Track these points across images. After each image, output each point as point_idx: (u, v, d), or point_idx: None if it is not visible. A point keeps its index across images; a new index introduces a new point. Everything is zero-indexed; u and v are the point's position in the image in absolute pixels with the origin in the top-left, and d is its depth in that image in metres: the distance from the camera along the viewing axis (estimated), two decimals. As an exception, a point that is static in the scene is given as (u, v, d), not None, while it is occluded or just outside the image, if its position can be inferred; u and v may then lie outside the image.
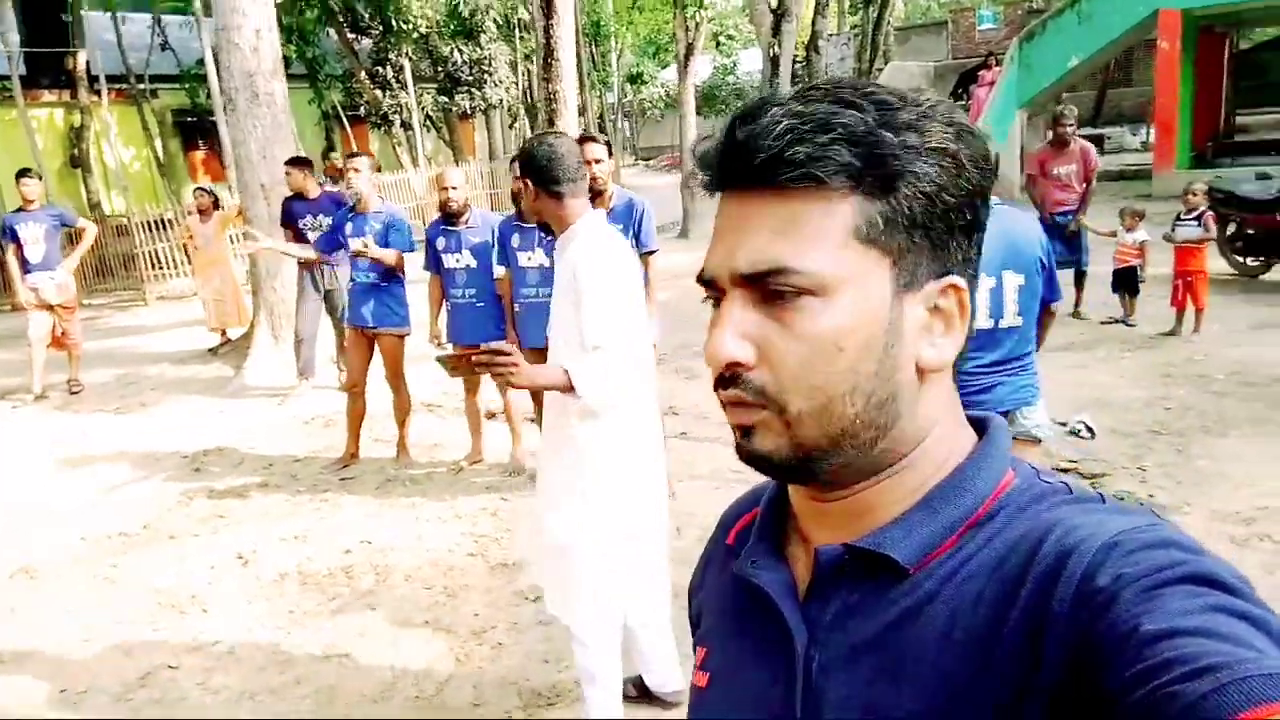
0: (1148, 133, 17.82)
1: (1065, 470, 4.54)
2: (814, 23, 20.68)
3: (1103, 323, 7.36)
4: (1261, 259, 8.23)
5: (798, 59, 20.75)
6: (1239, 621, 0.49)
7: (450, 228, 4.91)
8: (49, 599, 4.06)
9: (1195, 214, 6.88)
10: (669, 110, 33.20)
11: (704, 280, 0.65)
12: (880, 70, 23.76)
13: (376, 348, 5.28)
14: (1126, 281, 7.27)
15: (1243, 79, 16.25)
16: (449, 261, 4.93)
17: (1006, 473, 0.64)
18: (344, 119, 19.39)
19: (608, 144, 4.35)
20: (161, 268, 13.44)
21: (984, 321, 2.88)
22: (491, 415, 5.79)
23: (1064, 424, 5.13)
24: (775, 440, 0.62)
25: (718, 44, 30.32)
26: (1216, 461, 4.48)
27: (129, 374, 8.41)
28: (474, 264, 4.88)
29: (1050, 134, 7.88)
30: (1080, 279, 7.41)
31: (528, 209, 2.76)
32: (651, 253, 4.34)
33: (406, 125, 18.99)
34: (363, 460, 5.45)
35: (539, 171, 2.58)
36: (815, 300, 0.60)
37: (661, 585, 2.85)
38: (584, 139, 4.34)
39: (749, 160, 0.60)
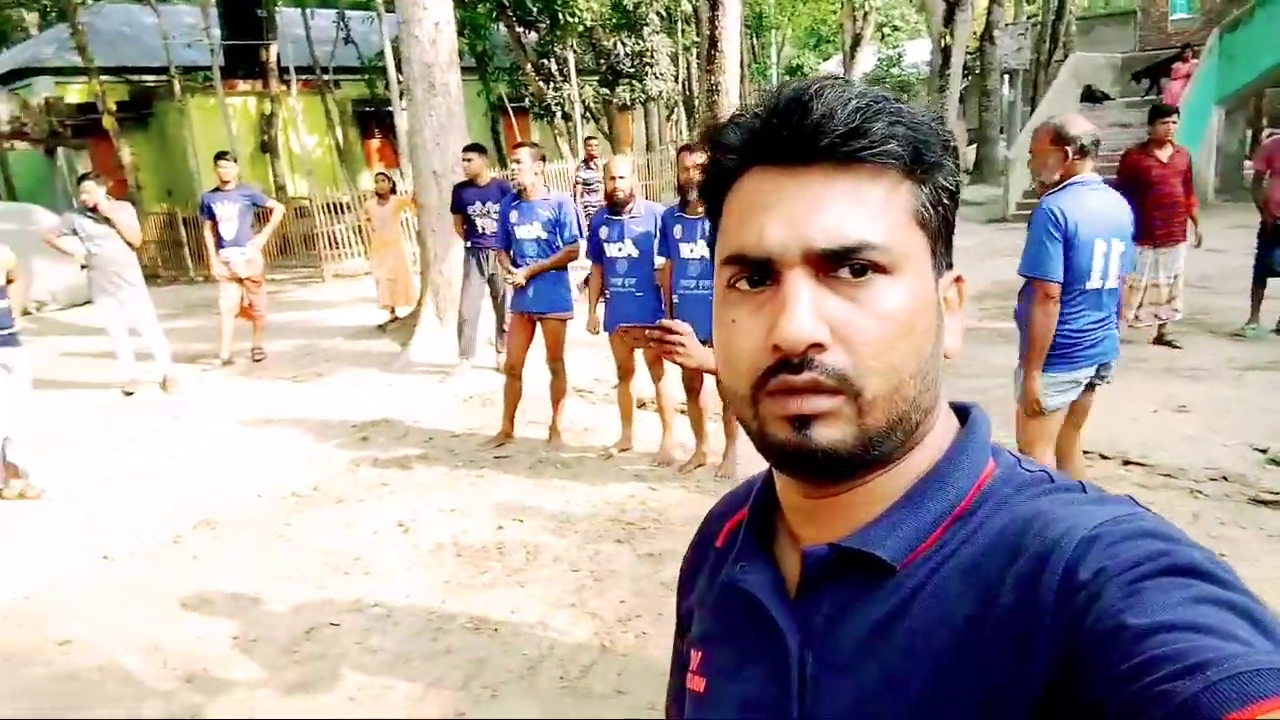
0: (1371, 132, 16.02)
1: (1265, 502, 4.14)
2: (989, 11, 19.73)
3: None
4: None
5: (970, 50, 19.86)
6: (1224, 611, 0.48)
7: (615, 217, 4.96)
8: (227, 551, 4.38)
9: None
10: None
11: (750, 260, 0.61)
12: (1060, 62, 22.42)
13: (538, 331, 5.42)
14: None
15: None
16: (611, 250, 4.98)
17: (988, 463, 0.64)
18: (509, 110, 20.01)
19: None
20: (339, 247, 14.29)
21: (1095, 282, 3.34)
22: (643, 404, 5.83)
23: (1264, 450, 4.68)
24: (843, 429, 0.60)
25: (882, 35, 29.47)
26: None
27: (307, 345, 9.00)
28: (636, 254, 4.92)
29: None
30: None
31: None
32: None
33: (568, 116, 19.41)
34: (517, 440, 5.61)
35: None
36: (887, 279, 0.60)
37: None
38: (684, 148, 4.35)
39: (826, 133, 0.59)
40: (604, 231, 5.01)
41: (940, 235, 0.64)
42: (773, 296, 0.60)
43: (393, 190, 9.72)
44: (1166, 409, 5.49)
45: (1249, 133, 17.23)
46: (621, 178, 4.89)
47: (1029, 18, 27.96)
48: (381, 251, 9.50)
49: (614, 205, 4.95)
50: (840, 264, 0.59)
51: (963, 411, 0.69)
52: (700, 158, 4.37)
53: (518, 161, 5.30)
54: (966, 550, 0.59)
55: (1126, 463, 4.75)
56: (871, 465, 0.62)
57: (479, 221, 7.03)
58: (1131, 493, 3.90)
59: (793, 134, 0.60)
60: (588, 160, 12.15)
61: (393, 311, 9.55)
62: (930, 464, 0.64)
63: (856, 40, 14.30)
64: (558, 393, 5.55)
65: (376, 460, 5.46)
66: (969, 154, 20.45)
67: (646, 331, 2.47)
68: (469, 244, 7.20)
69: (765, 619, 0.66)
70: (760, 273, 0.61)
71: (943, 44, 15.91)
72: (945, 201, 0.63)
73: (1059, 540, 0.54)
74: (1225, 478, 4.42)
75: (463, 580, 3.90)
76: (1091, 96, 18.54)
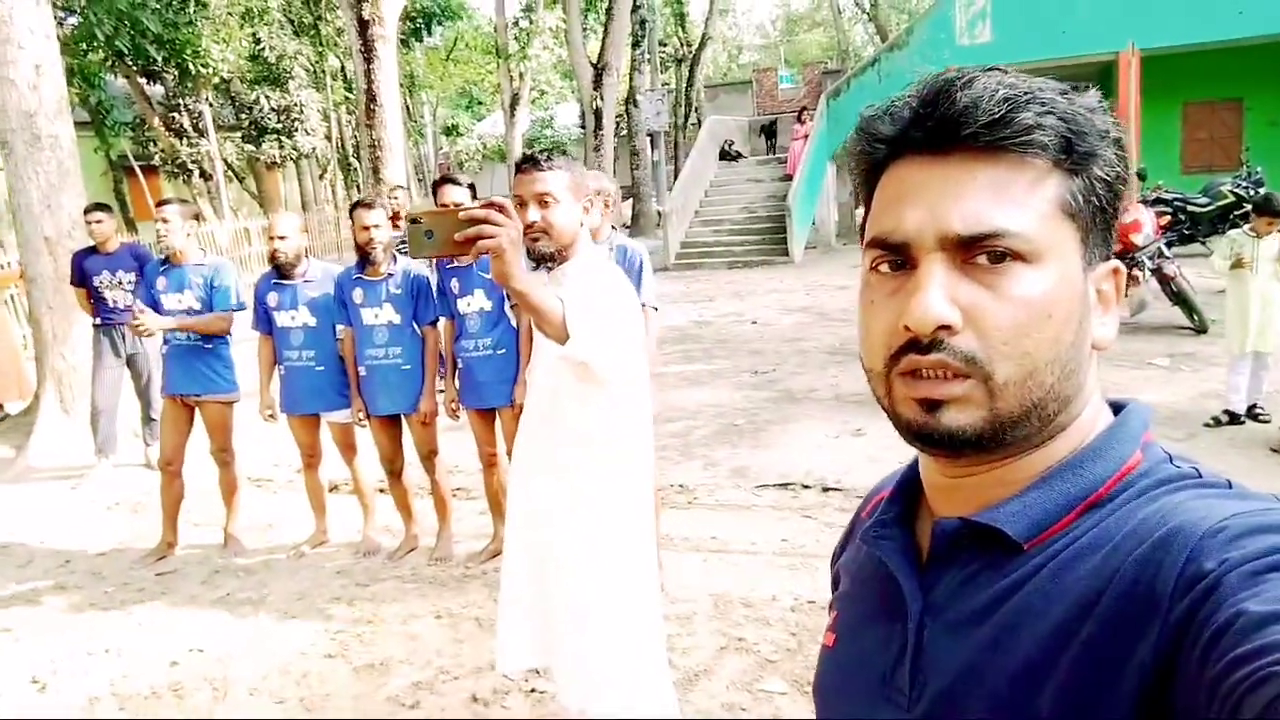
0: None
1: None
2: (631, 78, 21.14)
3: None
4: None
5: (616, 114, 21.10)
6: None
7: (283, 281, 4.38)
8: None
9: None
10: (485, 162, 32.94)
11: (890, 244, 0.64)
12: (695, 125, 24.61)
13: (198, 418, 4.63)
14: None
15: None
16: (282, 320, 4.38)
17: (1133, 455, 0.64)
18: (136, 169, 17.80)
19: (470, 186, 4.02)
20: (-87, 335, 11.63)
21: None
22: (335, 488, 5.21)
23: None
24: (973, 413, 0.61)
25: (533, 100, 30.48)
26: None
27: (-127, 462, 7.08)
28: (312, 322, 4.36)
29: None
30: None
31: (571, 224, 2.22)
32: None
33: (206, 175, 17.68)
34: (182, 550, 4.73)
35: (591, 183, 2.35)
36: (1026, 267, 0.60)
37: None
38: (443, 180, 3.99)
39: (970, 122, 0.60)
40: (272, 298, 4.40)
41: (1094, 226, 0.63)
42: (908, 280, 0.62)
43: (-12, 264, 8.08)
44: (846, 434, 5.96)
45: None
46: (284, 237, 4.33)
47: (664, 85, 30.50)
48: (-22, 337, 7.82)
49: (281, 268, 4.37)
50: (978, 250, 0.60)
51: (1119, 406, 0.69)
52: (376, 216, 3.95)
53: (164, 220, 4.51)
54: (1095, 536, 0.60)
55: (825, 489, 5.03)
56: (1006, 448, 0.63)
57: (108, 294, 6.00)
58: (833, 516, 4.09)
59: (938, 123, 0.62)
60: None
61: (1, 408, 7.85)
62: (1072, 451, 0.64)
63: (515, 100, 14.55)
64: (229, 487, 4.77)
65: (-10, 600, 4.31)
66: (625, 209, 21.62)
67: (462, 214, 1.69)
68: (97, 321, 6.11)
69: (893, 584, 0.69)
70: (900, 257, 0.63)
71: (594, 107, 16.70)
72: (1101, 192, 0.63)
73: (1185, 530, 0.55)
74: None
75: (130, 740, 3.12)
76: (728, 155, 20.45)
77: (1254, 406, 5.65)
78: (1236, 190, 11.23)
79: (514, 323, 4.07)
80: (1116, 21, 12.77)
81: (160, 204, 4.59)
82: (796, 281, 13.74)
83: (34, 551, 4.93)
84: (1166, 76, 14.10)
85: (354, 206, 4.25)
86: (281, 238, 4.30)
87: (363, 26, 9.19)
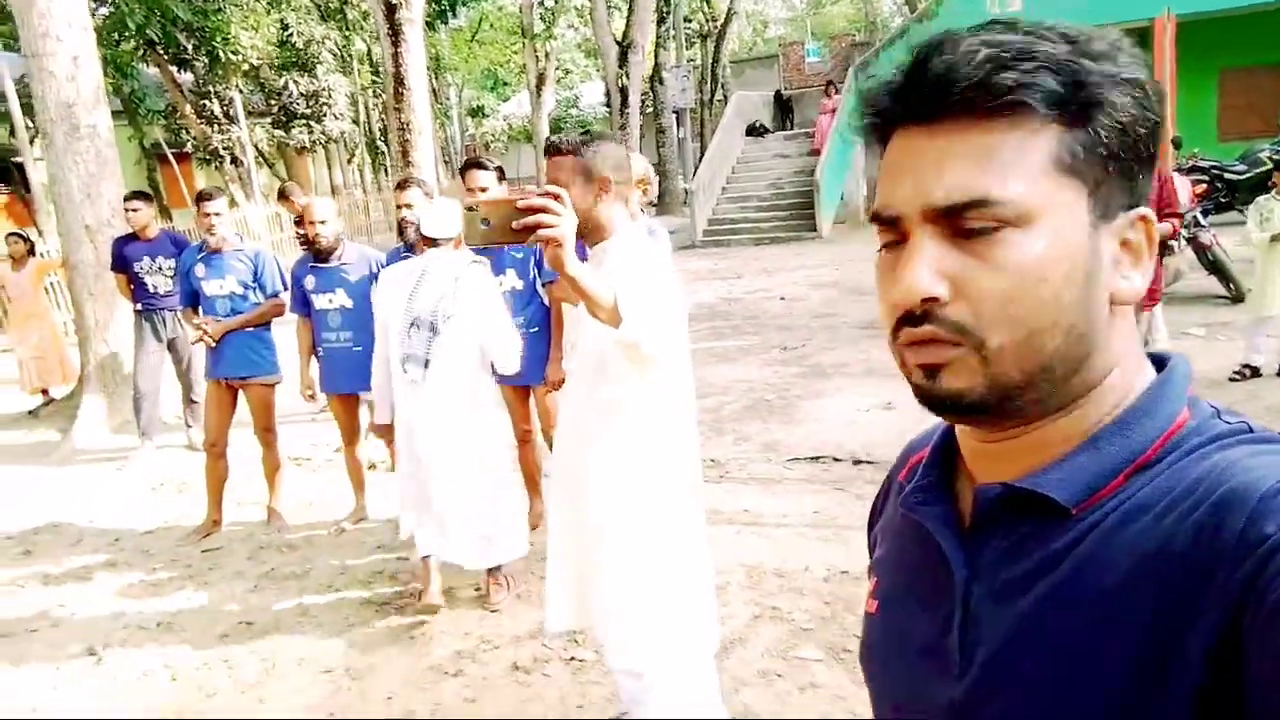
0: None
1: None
2: (656, 55, 21.02)
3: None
4: None
5: (642, 92, 21.00)
6: None
7: (321, 265, 4.46)
8: None
9: None
10: (511, 143, 32.97)
11: (885, 219, 0.64)
12: (721, 101, 24.42)
13: (241, 400, 4.75)
14: None
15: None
16: (320, 303, 4.47)
17: (1181, 413, 0.62)
18: (169, 156, 18.03)
19: (499, 169, 4.06)
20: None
21: None
22: (374, 466, 5.32)
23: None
24: (970, 378, 0.61)
25: (557, 79, 30.40)
26: None
27: (-72, 447, 7.32)
28: (349, 304, 4.45)
29: None
30: None
31: (584, 208, 2.24)
32: (553, 281, 4.03)
33: (238, 161, 17.87)
34: (227, 528, 4.86)
35: (613, 163, 2.29)
36: (1016, 232, 0.59)
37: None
38: (469, 164, 4.03)
39: (947, 89, 0.59)
40: (310, 281, 4.49)
41: (1110, 176, 0.60)
42: (901, 254, 0.62)
43: (31, 252, 8.27)
44: (876, 408, 5.96)
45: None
46: (324, 221, 4.41)
47: (689, 61, 30.30)
48: (23, 325, 8.00)
49: (319, 252, 4.45)
50: (964, 220, 0.59)
51: (1162, 361, 0.67)
52: (486, 178, 3.99)
53: (216, 215, 4.62)
54: (1147, 498, 0.58)
55: (856, 462, 5.05)
56: (1023, 413, 0.63)
57: (149, 280, 6.13)
58: (864, 489, 4.11)
59: (921, 93, 0.60)
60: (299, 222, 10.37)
61: (45, 393, 8.06)
62: (1114, 412, 0.63)
63: (540, 79, 14.55)
64: (272, 467, 4.89)
65: (47, 577, 4.46)
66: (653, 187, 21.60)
67: (520, 204, 1.76)
68: (139, 306, 6.25)
69: (936, 551, 0.68)
70: (898, 233, 0.63)
71: (620, 85, 16.65)
72: (1111, 140, 0.59)
73: (1242, 491, 0.53)
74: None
75: (185, 710, 3.23)
76: (755, 131, 20.31)
77: None
78: (1276, 157, 10.99)
79: (545, 301, 4.12)
80: (1150, -14, 12.48)
81: (201, 198, 4.69)
82: (825, 256, 13.67)
83: (83, 531, 5.09)
84: (1203, 42, 13.78)
85: (398, 185, 4.29)
86: (322, 222, 4.38)
87: (390, 10, 9.20)
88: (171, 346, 6.38)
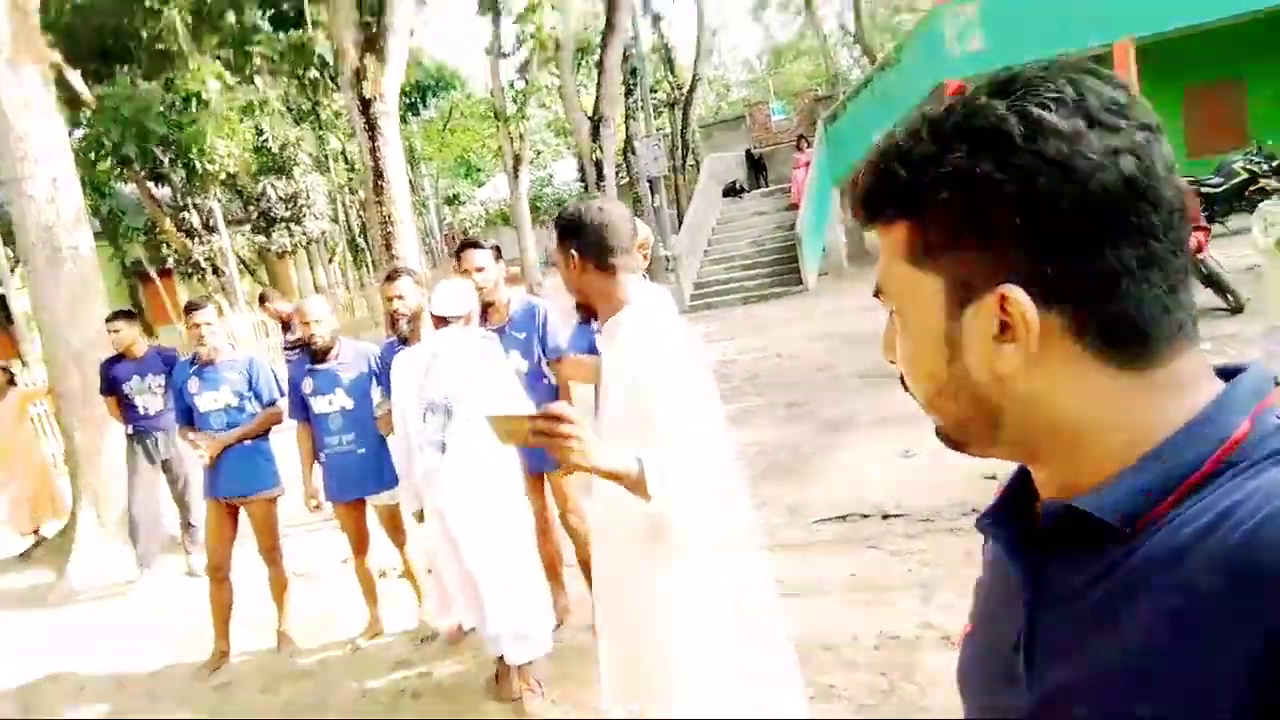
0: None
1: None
2: (626, 126, 21.29)
3: None
4: None
5: (615, 164, 21.22)
6: None
7: (317, 366, 4.30)
8: None
9: None
10: (489, 227, 33.25)
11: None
12: (693, 166, 24.74)
13: (243, 517, 4.54)
14: None
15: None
16: (320, 406, 4.30)
17: (1239, 426, 0.60)
18: (151, 273, 18.01)
19: (495, 249, 3.94)
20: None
21: None
22: (384, 574, 5.08)
23: (993, 477, 5.01)
24: (937, 419, 0.72)
25: (530, 159, 30.87)
26: None
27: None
28: (350, 405, 4.28)
29: None
30: None
31: (570, 285, 2.21)
32: (559, 359, 3.88)
33: (219, 271, 17.86)
34: (236, 657, 4.59)
35: (590, 239, 2.12)
36: (899, 315, 0.71)
37: None
38: (465, 245, 3.93)
39: (855, 206, 0.72)
40: (307, 384, 4.32)
41: (962, 260, 0.64)
42: None
43: (11, 382, 8.06)
44: (895, 458, 5.78)
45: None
46: (318, 321, 4.27)
47: (659, 130, 30.83)
48: (7, 460, 7.75)
49: (315, 353, 4.30)
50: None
51: (1234, 373, 0.65)
52: (483, 257, 3.89)
53: (206, 324, 4.49)
54: (1195, 517, 0.58)
55: (885, 516, 4.86)
56: (1010, 449, 0.68)
57: (139, 400, 5.95)
58: (898, 544, 3.93)
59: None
60: (285, 324, 9.32)
61: (37, 532, 7.76)
62: (1169, 431, 0.62)
63: (517, 161, 14.66)
64: (278, 586, 4.66)
65: (46, 732, 4.19)
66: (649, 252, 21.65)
67: (529, 422, 1.84)
68: (130, 429, 6.06)
69: (1007, 568, 0.71)
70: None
71: (594, 158, 16.80)
72: (957, 229, 0.63)
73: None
74: (975, 510, 4.63)
75: None
76: (732, 191, 20.50)
77: None
78: (1249, 167, 11.07)
79: (553, 381, 3.97)
80: (1107, 12, 12.70)
81: (189, 308, 4.56)
82: (815, 309, 13.61)
83: (84, 679, 4.80)
84: (1166, 62, 13.98)
85: (387, 278, 4.19)
86: (316, 321, 4.24)
87: (364, 105, 9.26)
88: (166, 468, 6.17)
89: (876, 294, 0.72)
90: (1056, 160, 0.58)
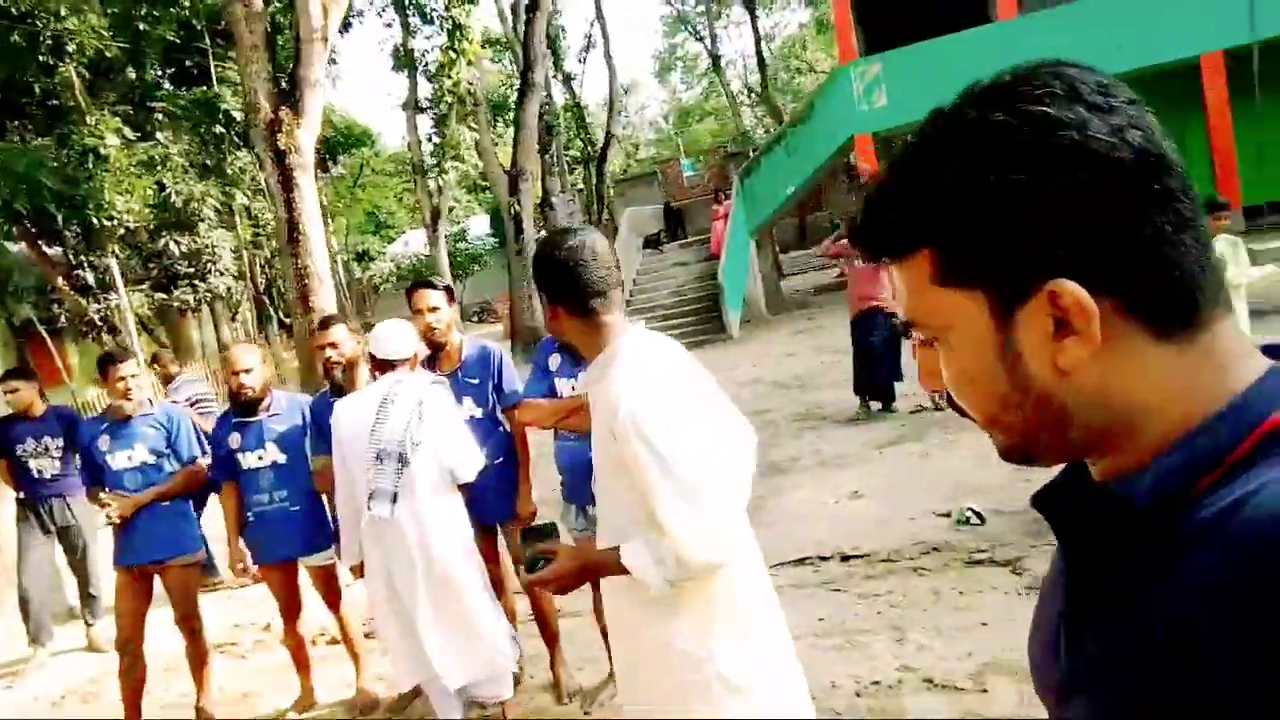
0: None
1: (979, 562, 4.31)
2: (543, 182, 21.32)
3: (911, 412, 7.55)
4: None
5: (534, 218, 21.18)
6: None
7: (247, 420, 3.98)
8: None
9: None
10: (401, 284, 32.68)
11: None
12: (609, 220, 24.92)
13: (156, 585, 4.13)
14: None
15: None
16: (248, 461, 3.96)
17: (1273, 414, 0.58)
18: (42, 333, 16.94)
19: (447, 289, 3.73)
20: None
21: None
22: (315, 642, 4.69)
23: (947, 515, 4.97)
24: (996, 437, 0.71)
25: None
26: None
27: None
28: (282, 459, 3.96)
29: None
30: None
31: (550, 330, 2.12)
32: (516, 405, 3.66)
33: (115, 330, 16.92)
34: (150, 740, 4.15)
35: (562, 285, 1.93)
36: (942, 344, 0.70)
37: None
38: (417, 284, 3.71)
39: (865, 248, 0.73)
40: (235, 439, 3.99)
41: (1006, 269, 0.63)
42: None
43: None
44: (844, 499, 5.71)
45: (775, 255, 20.27)
46: (249, 370, 3.97)
47: (573, 186, 31.01)
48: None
49: (245, 405, 3.98)
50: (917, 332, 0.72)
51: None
52: (436, 297, 3.67)
53: (131, 376, 4.15)
54: (1221, 502, 0.57)
55: (845, 558, 4.75)
56: (1065, 454, 0.69)
57: (33, 464, 5.49)
58: (863, 586, 3.80)
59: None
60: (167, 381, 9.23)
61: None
62: (1217, 405, 0.60)
63: (435, 214, 14.42)
64: (198, 658, 4.23)
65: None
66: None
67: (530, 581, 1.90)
68: (21, 495, 5.56)
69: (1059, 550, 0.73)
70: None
71: (513, 213, 16.70)
72: (983, 242, 0.63)
73: None
74: (935, 549, 4.57)
75: None
76: (652, 243, 20.65)
77: None
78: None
79: (507, 429, 3.75)
80: (1006, 66, 13.32)
81: (109, 361, 4.19)
82: (740, 356, 13.66)
83: (-27, 770, 4.27)
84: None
85: (319, 326, 3.95)
86: (246, 370, 3.93)
87: (279, 158, 8.95)
88: (63, 536, 5.66)
89: (907, 327, 0.72)
90: (1072, 149, 0.59)
